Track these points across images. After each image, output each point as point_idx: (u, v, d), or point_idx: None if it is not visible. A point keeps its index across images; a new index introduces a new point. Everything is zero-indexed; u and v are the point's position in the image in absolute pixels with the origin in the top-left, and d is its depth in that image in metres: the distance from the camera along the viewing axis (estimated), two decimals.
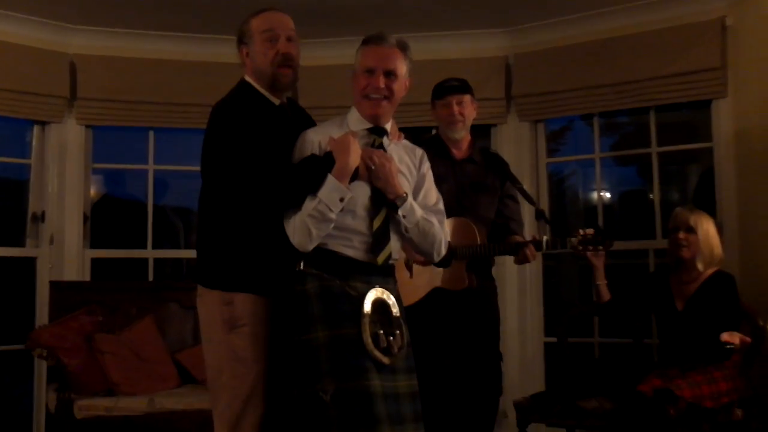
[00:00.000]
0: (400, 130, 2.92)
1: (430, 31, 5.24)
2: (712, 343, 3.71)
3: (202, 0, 4.79)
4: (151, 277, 5.38)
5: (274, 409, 2.69)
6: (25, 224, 5.16)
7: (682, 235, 3.89)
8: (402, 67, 2.75)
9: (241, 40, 2.84)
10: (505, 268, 5.07)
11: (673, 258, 3.97)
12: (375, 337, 2.59)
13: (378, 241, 2.68)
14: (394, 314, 2.67)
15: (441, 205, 2.88)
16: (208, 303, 2.78)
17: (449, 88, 3.78)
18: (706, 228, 3.90)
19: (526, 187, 4.95)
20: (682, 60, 4.67)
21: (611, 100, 4.99)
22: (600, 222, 5.11)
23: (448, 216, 3.56)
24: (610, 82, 4.93)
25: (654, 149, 4.98)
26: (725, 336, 3.65)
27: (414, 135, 3.08)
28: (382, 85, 2.70)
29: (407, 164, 2.83)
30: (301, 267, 2.65)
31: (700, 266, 3.86)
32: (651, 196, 5.09)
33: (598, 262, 3.82)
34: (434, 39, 5.29)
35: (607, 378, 4.11)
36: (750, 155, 4.47)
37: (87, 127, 5.29)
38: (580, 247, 3.62)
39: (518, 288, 5.20)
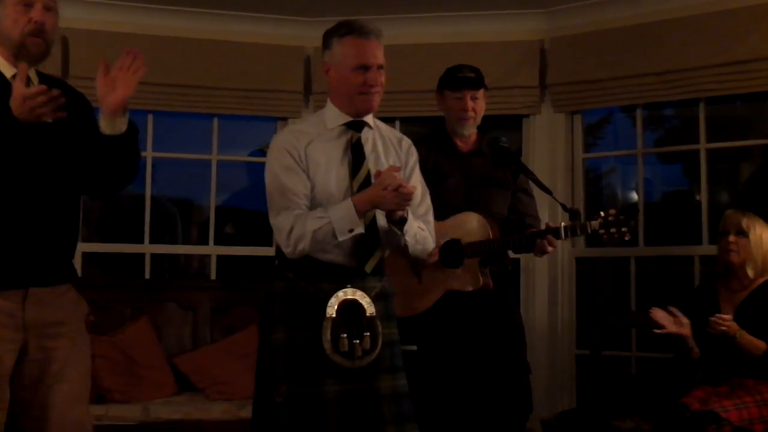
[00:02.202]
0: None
1: (455, 10, 5.20)
2: (762, 357, 3.71)
3: None
4: (147, 275, 5.29)
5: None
6: None
7: (732, 238, 3.90)
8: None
9: None
10: (536, 273, 5.08)
11: (722, 264, 3.97)
12: (335, 341, 2.68)
13: (364, 247, 2.77)
14: (367, 315, 2.74)
15: (428, 199, 2.97)
16: None
17: (466, 80, 3.76)
18: (759, 233, 3.91)
19: (560, 184, 5.02)
20: (738, 47, 4.57)
21: (657, 91, 4.91)
22: (641, 219, 4.95)
23: (457, 212, 3.60)
24: (655, 70, 4.84)
25: (703, 146, 4.89)
26: None
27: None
28: (381, 80, 2.82)
29: (393, 156, 2.92)
30: (276, 263, 2.82)
31: (750, 273, 3.88)
32: (698, 197, 5.02)
33: (684, 329, 3.83)
34: (460, 20, 5.25)
35: (645, 395, 4.11)
36: None
37: None
38: (602, 231, 3.53)
39: (548, 295, 5.17)
